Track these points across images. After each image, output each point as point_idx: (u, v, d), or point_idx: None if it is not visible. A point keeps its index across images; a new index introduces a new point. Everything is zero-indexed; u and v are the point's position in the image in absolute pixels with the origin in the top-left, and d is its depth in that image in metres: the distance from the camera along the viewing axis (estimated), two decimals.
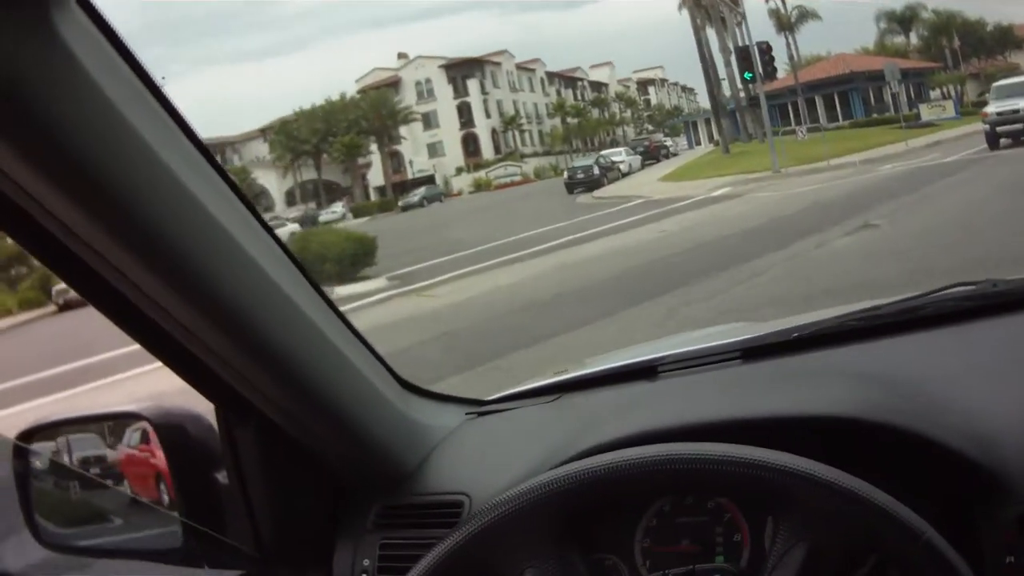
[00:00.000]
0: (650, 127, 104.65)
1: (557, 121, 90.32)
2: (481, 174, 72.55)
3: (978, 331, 1.35)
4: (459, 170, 76.17)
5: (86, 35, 0.81)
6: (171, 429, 1.39)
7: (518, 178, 70.33)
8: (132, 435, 1.52)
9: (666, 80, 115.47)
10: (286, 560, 1.39)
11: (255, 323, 1.10)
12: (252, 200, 1.09)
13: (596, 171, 35.83)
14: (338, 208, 61.63)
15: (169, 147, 0.93)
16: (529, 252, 17.06)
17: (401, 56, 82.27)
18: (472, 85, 79.08)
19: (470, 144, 79.61)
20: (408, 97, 78.27)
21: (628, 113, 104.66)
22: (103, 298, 1.06)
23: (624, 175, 39.91)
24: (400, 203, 59.81)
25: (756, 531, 1.16)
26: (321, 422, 1.28)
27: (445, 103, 79.18)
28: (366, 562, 1.38)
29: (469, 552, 1.02)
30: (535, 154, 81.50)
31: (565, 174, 37.99)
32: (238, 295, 1.06)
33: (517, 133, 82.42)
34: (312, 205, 65.63)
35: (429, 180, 73.55)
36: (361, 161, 73.21)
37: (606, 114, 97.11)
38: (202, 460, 1.39)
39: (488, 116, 79.96)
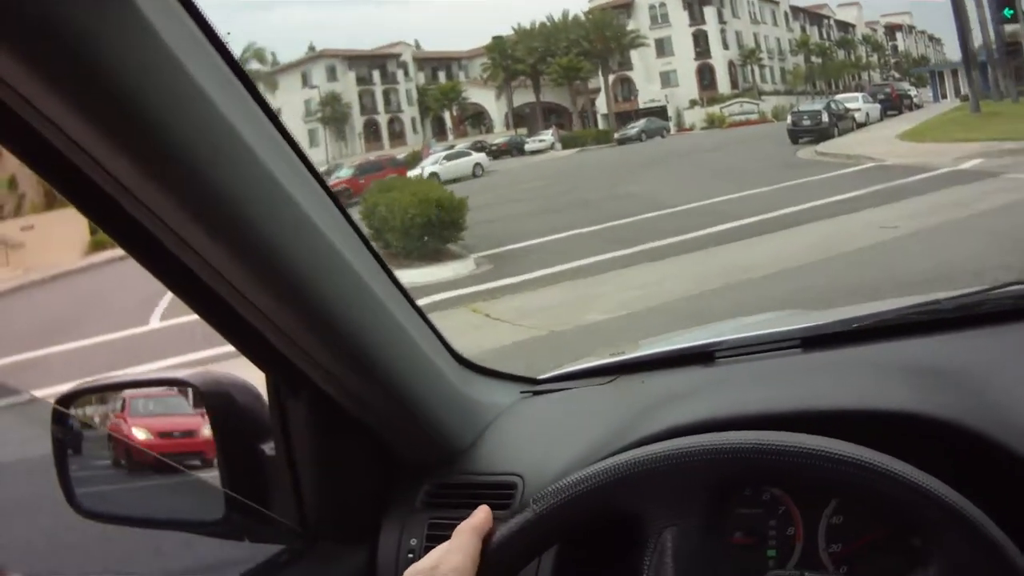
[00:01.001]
0: (896, 75, 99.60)
1: (800, 59, 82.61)
2: (715, 109, 66.32)
3: None
4: (693, 103, 70.42)
5: None
6: (219, 397, 1.34)
7: (755, 116, 65.24)
8: (179, 402, 1.58)
9: (914, 27, 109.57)
10: (330, 536, 1.35)
11: (314, 291, 1.05)
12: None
13: (825, 118, 29.59)
14: (547, 137, 57.49)
15: (232, 106, 0.90)
16: (693, 237, 12.02)
17: None
18: (709, 13, 72.57)
19: (705, 76, 73.34)
20: (641, 21, 72.82)
21: (875, 57, 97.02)
22: (152, 257, 1.01)
23: (859, 126, 33.56)
24: (616, 135, 55.22)
25: (809, 526, 1.15)
26: (376, 395, 1.23)
27: (680, 30, 73.18)
28: (413, 541, 1.33)
29: (615, 493, 0.99)
30: (775, 92, 74.54)
31: (788, 119, 31.96)
32: (297, 260, 1.01)
33: (756, 68, 75.28)
34: (523, 131, 61.55)
35: (660, 112, 68.55)
36: (591, 85, 68.42)
37: (852, 56, 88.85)
38: (249, 431, 1.35)
39: (726, 47, 73.28)
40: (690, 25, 72.90)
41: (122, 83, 0.78)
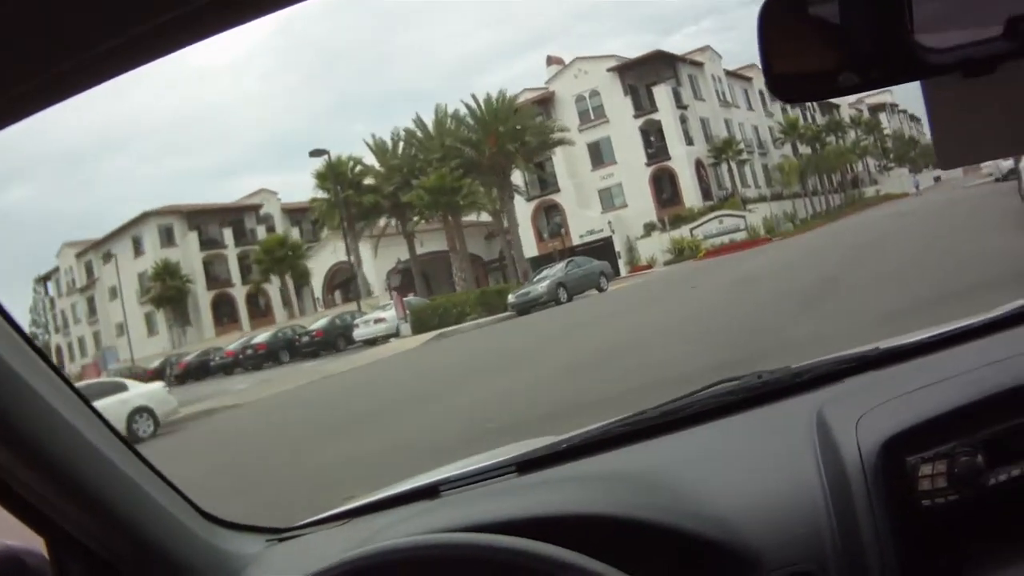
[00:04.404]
0: (888, 162, 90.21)
1: (788, 150, 61.33)
2: (683, 232, 43.92)
3: (740, 422, 1.52)
4: (649, 227, 48.35)
5: None
6: (9, 562, 1.43)
7: (741, 235, 46.21)
8: None
9: (896, 105, 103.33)
10: None
11: (63, 466, 1.26)
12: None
13: None
14: (386, 314, 35.20)
15: None
16: None
17: (553, 61, 55.42)
18: (661, 95, 50.99)
19: (664, 186, 51.39)
20: (566, 118, 51.35)
21: (871, 140, 77.31)
22: None
23: None
24: (511, 299, 32.67)
25: None
26: (131, 552, 1.39)
27: (622, 125, 51.50)
28: None
29: None
30: (760, 199, 52.71)
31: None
32: (46, 441, 1.23)
33: (735, 166, 53.28)
34: (411, 296, 39.23)
35: (602, 247, 46.37)
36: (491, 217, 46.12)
37: (842, 142, 68.25)
38: None
39: (689, 142, 51.55)
40: (636, 116, 51.42)
41: None
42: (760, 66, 0.88)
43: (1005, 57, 0.83)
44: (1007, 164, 25.98)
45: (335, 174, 42.46)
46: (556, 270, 33.78)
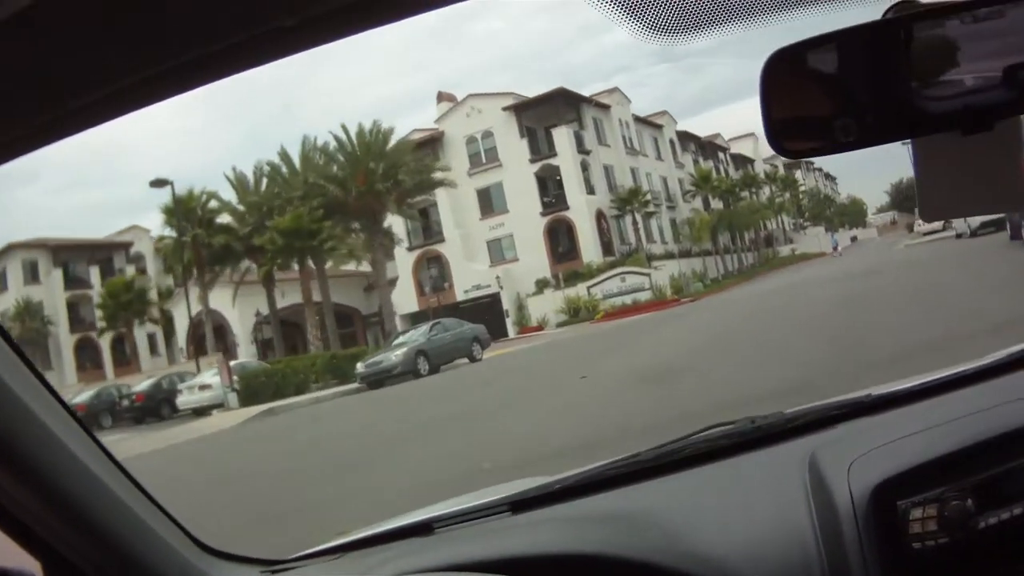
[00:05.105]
0: (804, 220, 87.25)
1: (699, 204, 57.06)
2: (579, 291, 38.78)
3: (733, 466, 1.55)
4: (542, 284, 42.98)
5: None
6: None
7: (645, 296, 41.33)
8: None
9: (811, 163, 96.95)
10: None
11: (60, 489, 1.25)
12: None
13: None
14: (211, 380, 29.33)
15: None
16: None
17: (444, 98, 50.18)
18: (561, 139, 46.03)
19: (560, 239, 46.23)
20: (456, 161, 46.01)
21: (786, 197, 75.19)
22: None
23: None
24: (361, 369, 26.32)
25: None
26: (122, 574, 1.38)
27: (517, 170, 46.32)
28: None
29: None
30: (667, 255, 48.12)
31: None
32: (42, 464, 1.22)
33: (640, 219, 48.48)
34: (245, 359, 33.02)
35: (488, 304, 41.10)
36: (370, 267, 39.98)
37: (756, 198, 64.77)
38: None
39: (590, 191, 46.65)
40: (532, 160, 46.34)
41: None
42: (761, 120, 0.91)
43: (1003, 110, 0.86)
44: (976, 222, 23.20)
45: (184, 209, 36.47)
46: (417, 334, 27.58)
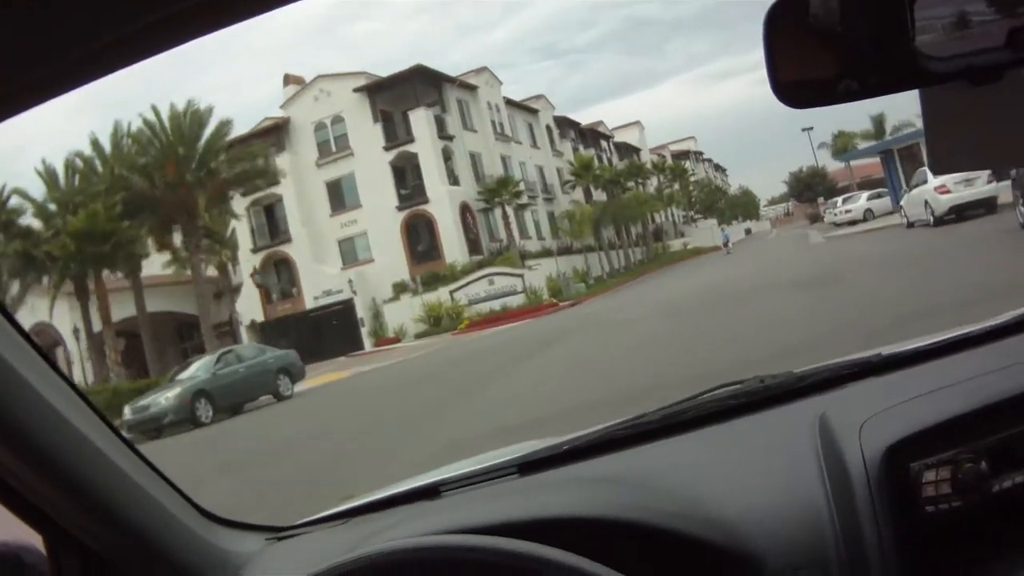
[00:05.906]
0: (695, 213, 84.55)
1: (579, 195, 52.57)
2: (440, 295, 33.75)
3: (741, 426, 1.52)
4: (399, 288, 37.68)
5: None
6: (6, 559, 1.44)
7: (518, 300, 37.09)
8: None
9: (701, 153, 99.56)
10: None
11: (61, 463, 1.25)
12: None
13: None
14: None
15: None
16: None
17: (291, 81, 44.33)
18: (419, 121, 40.79)
19: (420, 235, 40.97)
20: (303, 151, 40.34)
21: (675, 187, 71.32)
22: None
23: None
24: (127, 415, 20.02)
25: None
26: (129, 549, 1.39)
27: (369, 159, 40.84)
28: None
29: None
30: (544, 253, 43.48)
31: None
32: (43, 438, 1.22)
33: (512, 212, 43.52)
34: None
35: (341, 310, 35.92)
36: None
37: (642, 189, 60.70)
38: None
39: (454, 181, 41.56)
40: (387, 148, 40.96)
41: None
42: (766, 72, 0.89)
43: (1007, 66, 0.85)
44: (944, 204, 19.40)
45: None
46: (198, 367, 21.31)
